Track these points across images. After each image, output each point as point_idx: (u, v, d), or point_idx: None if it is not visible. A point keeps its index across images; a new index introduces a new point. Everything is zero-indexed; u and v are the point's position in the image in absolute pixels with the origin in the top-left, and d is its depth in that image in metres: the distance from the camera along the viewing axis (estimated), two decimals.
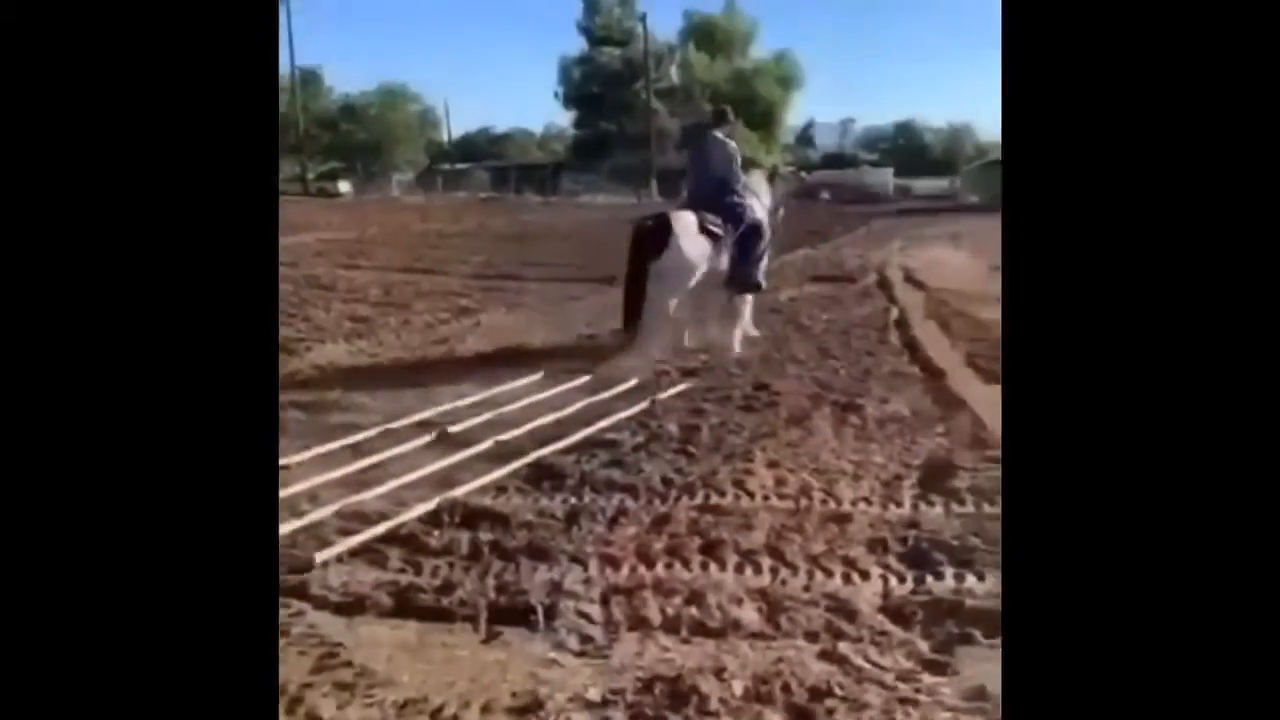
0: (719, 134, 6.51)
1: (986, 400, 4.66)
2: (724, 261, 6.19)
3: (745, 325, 6.53)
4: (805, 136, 76.51)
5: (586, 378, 5.29)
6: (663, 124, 42.15)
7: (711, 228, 6.05)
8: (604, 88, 42.86)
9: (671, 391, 4.91)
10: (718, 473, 3.52)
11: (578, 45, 45.39)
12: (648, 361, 5.60)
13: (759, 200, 6.63)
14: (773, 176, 7.45)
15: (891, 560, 2.73)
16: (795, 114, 51.17)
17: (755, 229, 6.40)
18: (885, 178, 44.71)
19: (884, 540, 2.86)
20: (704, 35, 45.21)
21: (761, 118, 45.89)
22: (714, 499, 3.29)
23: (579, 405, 4.63)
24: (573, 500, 3.30)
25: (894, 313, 7.87)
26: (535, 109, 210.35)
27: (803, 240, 17.53)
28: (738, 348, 6.15)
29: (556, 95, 46.65)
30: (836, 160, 63.83)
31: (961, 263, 12.96)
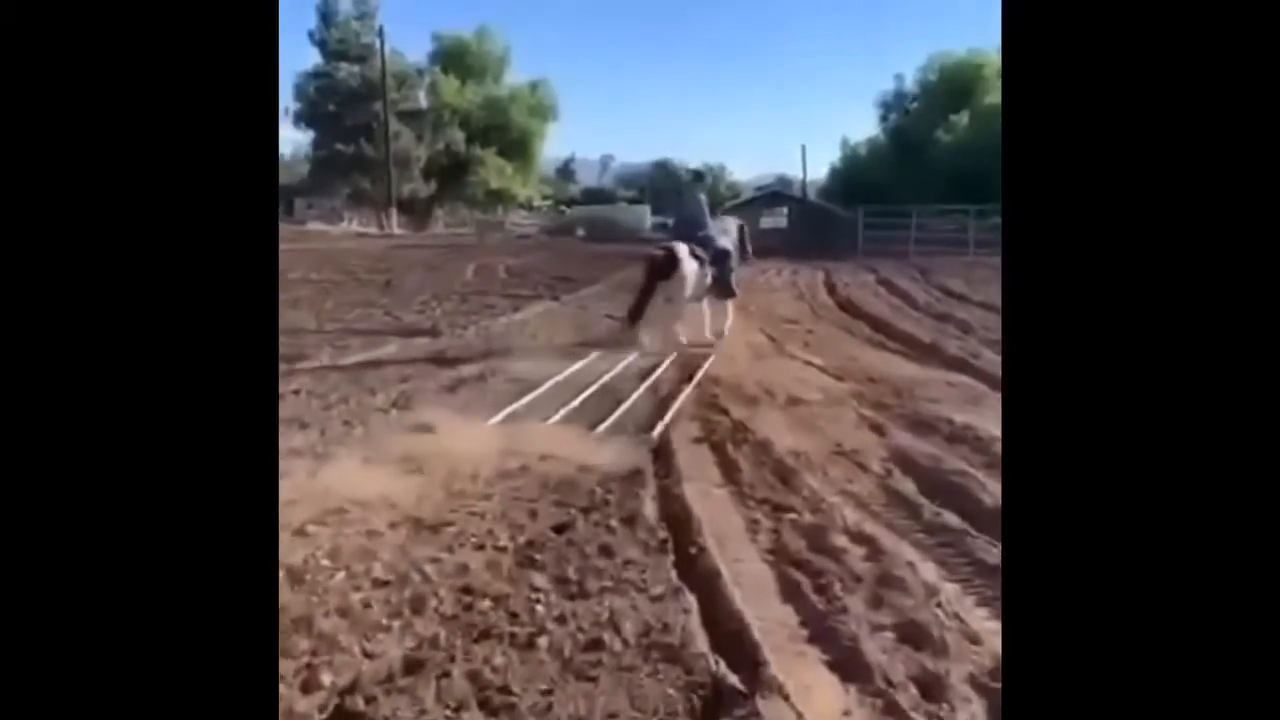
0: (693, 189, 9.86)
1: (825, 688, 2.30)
2: (708, 279, 8.86)
3: (728, 318, 9.57)
4: (566, 171, 76.23)
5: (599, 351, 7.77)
6: (406, 148, 38.64)
7: (697, 253, 8.57)
8: (341, 107, 38.55)
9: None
10: None
11: (311, 59, 40.59)
12: (642, 346, 8.02)
13: (727, 235, 9.47)
14: (741, 227, 10.12)
15: None
16: (555, 147, 49.00)
17: (724, 254, 9.14)
18: (641, 215, 43.16)
19: None
20: (454, 58, 42.19)
21: (516, 147, 43.49)
22: None
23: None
24: None
25: (656, 430, 5.46)
26: None
27: (544, 289, 14.28)
28: (727, 331, 9.24)
29: (286, 111, 40.88)
30: (596, 196, 63.04)
31: (731, 323, 10.87)
